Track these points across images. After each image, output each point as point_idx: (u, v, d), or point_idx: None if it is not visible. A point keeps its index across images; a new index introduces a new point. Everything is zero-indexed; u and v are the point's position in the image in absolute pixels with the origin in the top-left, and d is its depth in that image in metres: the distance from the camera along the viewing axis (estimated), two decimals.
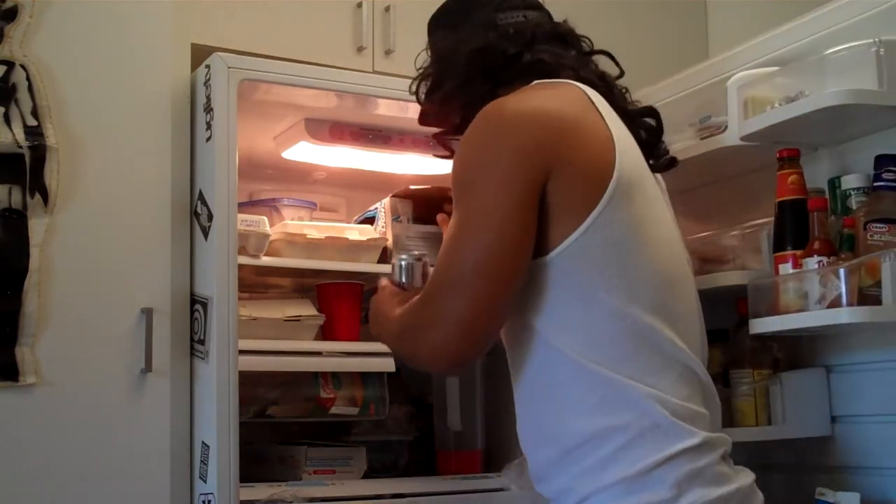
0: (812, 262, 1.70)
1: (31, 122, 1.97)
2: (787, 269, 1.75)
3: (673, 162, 1.59)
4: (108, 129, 2.06)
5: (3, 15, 1.98)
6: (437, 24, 1.66)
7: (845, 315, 1.63)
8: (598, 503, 1.35)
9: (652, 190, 1.46)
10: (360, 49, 2.41)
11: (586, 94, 1.46)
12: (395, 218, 2.39)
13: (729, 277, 1.90)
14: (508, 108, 1.41)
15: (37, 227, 1.95)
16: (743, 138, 1.86)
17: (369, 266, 2.36)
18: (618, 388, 1.35)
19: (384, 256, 2.39)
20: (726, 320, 2.00)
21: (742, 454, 1.87)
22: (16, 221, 1.94)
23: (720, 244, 1.96)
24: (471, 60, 1.54)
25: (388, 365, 2.33)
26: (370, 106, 2.33)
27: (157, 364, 2.03)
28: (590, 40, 1.62)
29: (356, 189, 2.74)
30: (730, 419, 1.88)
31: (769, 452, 1.94)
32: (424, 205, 2.39)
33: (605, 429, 1.34)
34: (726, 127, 1.90)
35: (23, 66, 1.98)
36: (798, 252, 1.74)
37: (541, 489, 1.47)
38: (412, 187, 2.39)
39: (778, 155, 1.80)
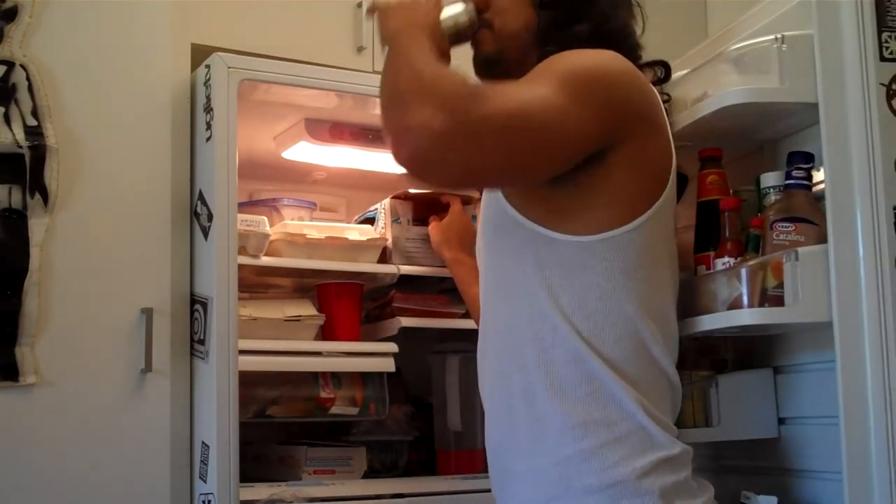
0: (721, 263, 1.68)
1: (31, 122, 1.97)
2: (702, 270, 1.73)
3: (684, 181, 1.60)
4: (108, 129, 2.06)
5: (3, 15, 1.98)
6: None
7: (745, 316, 1.60)
8: None
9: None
10: (360, 49, 2.41)
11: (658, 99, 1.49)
12: (395, 220, 2.40)
13: None
14: (636, 71, 1.44)
15: (37, 227, 1.95)
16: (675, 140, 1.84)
17: (369, 266, 2.36)
18: (612, 386, 1.35)
19: (384, 256, 2.39)
20: None
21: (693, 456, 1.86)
22: (16, 221, 1.94)
23: None
24: (602, 25, 1.52)
25: (388, 365, 2.33)
26: (370, 106, 2.33)
27: (157, 364, 2.03)
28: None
29: (356, 189, 2.74)
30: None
31: (720, 454, 1.93)
32: (424, 207, 2.39)
33: (590, 420, 1.35)
34: None
35: (23, 66, 1.98)
36: (711, 253, 1.72)
37: (502, 464, 1.45)
38: (412, 190, 2.39)
39: (699, 155, 1.77)
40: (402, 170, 1.25)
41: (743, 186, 1.81)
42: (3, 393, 1.90)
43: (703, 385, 1.82)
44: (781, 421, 1.82)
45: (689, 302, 1.69)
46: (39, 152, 1.96)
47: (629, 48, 1.53)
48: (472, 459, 2.46)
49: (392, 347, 2.34)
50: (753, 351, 1.90)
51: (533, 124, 1.26)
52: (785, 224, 1.62)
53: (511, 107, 1.25)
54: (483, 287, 1.54)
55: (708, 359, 1.87)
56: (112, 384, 2.00)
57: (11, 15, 1.98)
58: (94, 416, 1.97)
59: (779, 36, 1.64)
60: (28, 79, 1.98)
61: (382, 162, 2.50)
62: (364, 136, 2.40)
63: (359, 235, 2.39)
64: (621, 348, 1.37)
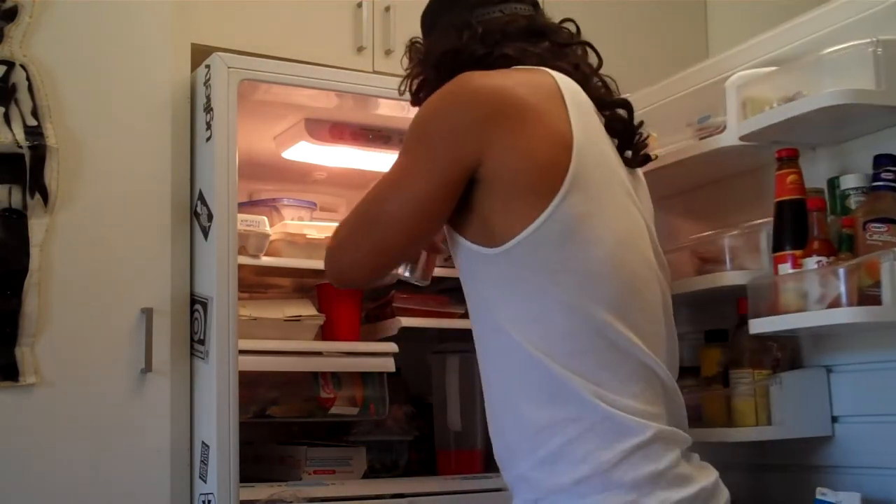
0: (811, 262, 1.70)
1: (31, 122, 1.97)
2: (786, 269, 1.75)
3: (647, 158, 1.59)
4: (108, 129, 2.06)
5: (3, 15, 1.98)
6: (421, 25, 1.68)
7: (845, 315, 1.62)
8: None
9: (618, 186, 1.46)
10: (360, 49, 2.41)
11: (556, 82, 1.45)
12: None
13: (728, 278, 1.90)
14: (469, 82, 1.45)
15: (37, 227, 1.95)
16: (742, 138, 1.85)
17: None
18: (564, 383, 1.35)
19: None
20: (726, 320, 2.00)
21: (741, 454, 1.88)
22: (16, 221, 1.94)
23: (719, 244, 1.96)
24: (440, 63, 1.56)
25: (388, 365, 2.33)
26: (370, 106, 2.33)
27: (157, 364, 2.03)
28: (575, 26, 1.61)
29: (356, 189, 2.73)
30: (729, 419, 1.88)
31: (769, 452, 1.94)
32: None
33: (557, 420, 1.36)
34: (725, 127, 1.89)
35: (23, 66, 1.98)
36: (797, 252, 1.74)
37: (504, 476, 1.48)
38: None
39: (777, 155, 1.80)
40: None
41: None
42: (3, 393, 1.90)
43: (767, 384, 1.85)
44: (834, 419, 1.86)
45: (764, 301, 1.74)
46: (39, 152, 1.96)
47: (487, 67, 1.52)
48: (472, 459, 2.46)
49: (392, 347, 2.34)
50: (800, 351, 1.93)
51: (371, 209, 1.51)
52: (878, 225, 1.66)
53: (355, 213, 1.54)
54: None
55: (766, 358, 1.90)
56: (112, 384, 2.00)
57: (11, 15, 1.98)
58: (94, 416, 1.97)
59: (874, 39, 1.66)
60: (28, 79, 1.98)
61: (382, 162, 2.50)
62: (364, 136, 2.40)
63: None
64: (572, 343, 1.36)
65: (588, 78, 1.54)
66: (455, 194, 1.43)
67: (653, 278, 1.47)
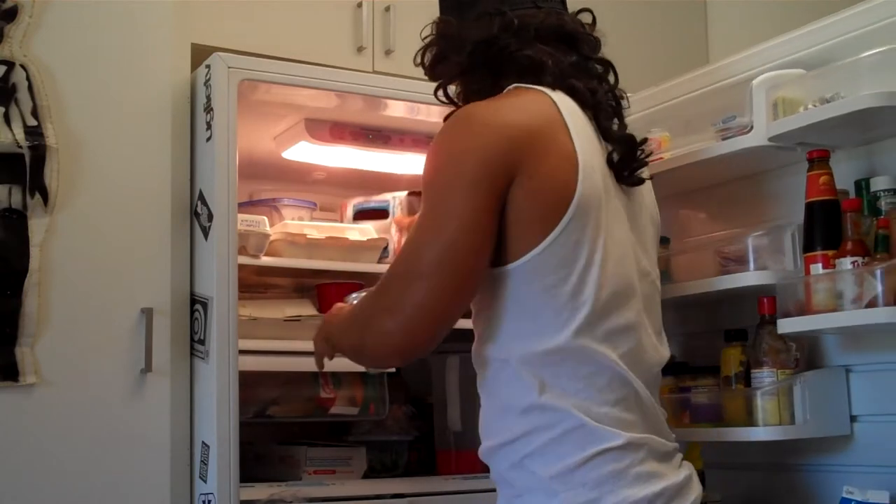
0: (846, 263, 1.71)
1: (31, 122, 1.97)
2: (818, 269, 1.76)
3: (641, 181, 1.59)
4: (108, 129, 2.06)
5: (3, 15, 1.98)
6: (447, 5, 1.65)
7: (884, 315, 1.64)
8: (528, 503, 1.43)
9: (613, 209, 1.48)
10: (360, 49, 2.41)
11: (557, 107, 1.47)
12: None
13: (750, 277, 1.91)
14: (478, 116, 1.46)
15: (37, 227, 1.95)
16: (771, 139, 1.85)
17: (369, 266, 2.36)
18: (546, 396, 1.41)
19: (384, 256, 2.39)
20: (746, 320, 2.00)
21: (760, 454, 1.88)
22: (16, 221, 1.94)
23: (743, 244, 1.96)
24: (474, 51, 1.56)
25: None
26: (370, 106, 2.33)
27: (157, 364, 2.03)
28: (595, 40, 1.61)
29: (356, 189, 2.74)
30: (752, 418, 1.89)
31: (788, 452, 1.96)
32: None
33: (533, 428, 1.41)
34: (752, 127, 1.89)
35: (23, 66, 1.98)
36: (829, 252, 1.75)
37: (490, 474, 1.54)
38: None
39: (808, 156, 1.81)
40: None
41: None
42: (3, 393, 1.90)
43: (791, 383, 1.87)
44: (853, 419, 1.88)
45: (793, 300, 1.76)
46: (39, 152, 1.96)
47: (518, 65, 1.53)
48: (472, 459, 2.43)
49: None
50: (818, 351, 1.95)
51: (446, 268, 1.39)
52: None
53: (398, 269, 1.48)
54: None
55: (788, 357, 1.91)
56: (112, 384, 2.00)
57: (11, 15, 1.98)
58: (94, 416, 1.97)
59: None
60: (28, 79, 1.98)
61: (382, 162, 2.51)
62: (364, 136, 2.40)
63: (359, 235, 2.39)
64: (553, 360, 1.41)
65: (600, 104, 1.54)
66: (496, 222, 1.41)
67: (635, 295, 1.50)
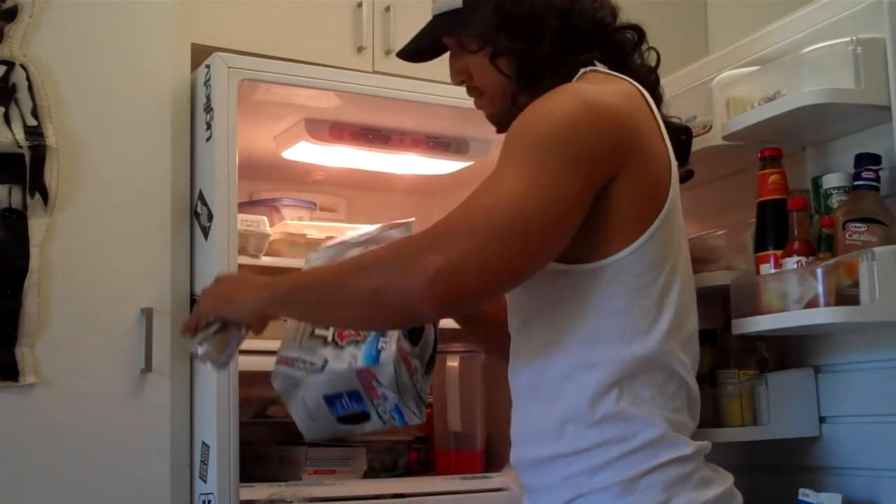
0: (791, 263, 1.69)
1: (31, 122, 1.97)
2: (767, 269, 1.74)
3: (690, 174, 1.58)
4: (108, 129, 2.06)
5: (3, 15, 1.98)
6: None
7: (821, 315, 1.61)
8: None
9: (680, 205, 1.46)
10: (360, 49, 2.41)
11: (647, 102, 1.44)
12: None
13: (715, 277, 1.88)
14: (594, 97, 1.37)
15: (37, 227, 1.95)
16: (725, 138, 1.84)
17: None
18: (622, 403, 1.36)
19: None
20: (714, 320, 1.99)
21: (728, 455, 1.87)
22: (16, 221, 1.94)
23: (707, 244, 1.95)
24: (567, 18, 1.45)
25: None
26: (370, 106, 2.33)
27: (157, 364, 2.03)
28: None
29: (356, 189, 2.74)
30: (716, 419, 1.87)
31: (756, 453, 1.94)
32: None
33: (606, 440, 1.36)
34: (711, 127, 1.89)
35: (23, 66, 1.98)
36: (778, 252, 1.73)
37: (524, 478, 1.48)
38: None
39: (760, 155, 1.79)
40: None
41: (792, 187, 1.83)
42: (3, 393, 1.90)
43: (752, 384, 1.84)
44: (822, 420, 1.85)
45: (747, 301, 1.72)
46: (39, 152, 1.96)
47: (601, 35, 1.49)
48: (472, 459, 2.46)
49: None
50: (789, 351, 1.92)
51: (515, 220, 1.27)
52: (857, 224, 1.63)
53: (474, 217, 1.28)
54: (511, 326, 1.52)
55: (753, 358, 1.89)
56: (112, 384, 2.00)
57: (11, 15, 1.98)
58: (94, 416, 1.97)
59: (854, 38, 1.65)
60: (28, 79, 1.98)
61: (382, 162, 2.50)
62: (364, 136, 2.40)
63: None
64: (634, 366, 1.37)
65: (661, 97, 1.52)
66: (584, 213, 1.32)
67: (695, 296, 1.49)
